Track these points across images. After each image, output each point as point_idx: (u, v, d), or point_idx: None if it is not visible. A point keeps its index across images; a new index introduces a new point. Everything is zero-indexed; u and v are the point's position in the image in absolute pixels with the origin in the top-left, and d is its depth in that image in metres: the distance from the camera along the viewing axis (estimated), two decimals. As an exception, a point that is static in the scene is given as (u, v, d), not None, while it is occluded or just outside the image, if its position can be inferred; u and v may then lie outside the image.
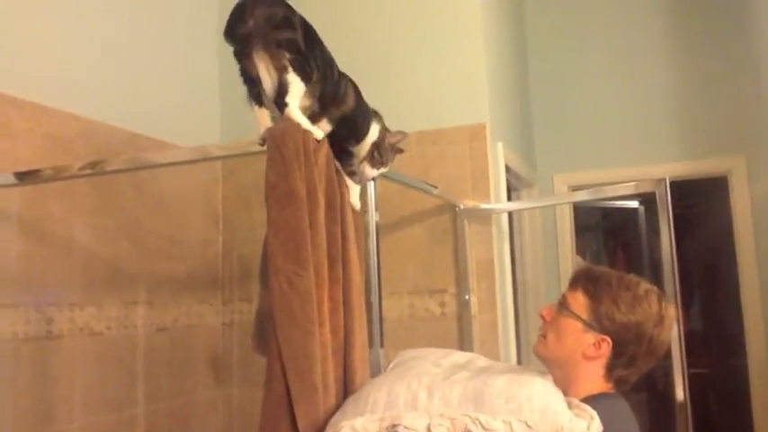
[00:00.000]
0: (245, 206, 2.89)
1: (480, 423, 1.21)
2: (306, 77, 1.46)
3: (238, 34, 1.43)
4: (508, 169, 2.89)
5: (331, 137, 1.58)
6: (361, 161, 1.66)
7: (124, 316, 2.42)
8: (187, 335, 2.73)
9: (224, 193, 2.97)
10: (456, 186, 2.63)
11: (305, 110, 1.51)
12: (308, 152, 1.48)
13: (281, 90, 1.44)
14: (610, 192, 2.51)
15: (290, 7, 1.48)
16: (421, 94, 2.74)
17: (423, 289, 2.64)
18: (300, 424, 1.34)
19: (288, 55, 1.43)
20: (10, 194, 2.03)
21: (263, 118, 1.50)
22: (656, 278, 1.95)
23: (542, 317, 1.50)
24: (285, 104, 1.45)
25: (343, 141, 1.60)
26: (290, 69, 1.43)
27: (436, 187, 2.49)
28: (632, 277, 1.46)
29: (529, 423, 1.20)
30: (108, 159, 1.91)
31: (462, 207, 2.58)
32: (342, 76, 1.61)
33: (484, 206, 2.58)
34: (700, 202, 4.41)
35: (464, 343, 2.52)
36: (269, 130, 1.48)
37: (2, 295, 2.00)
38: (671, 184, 2.17)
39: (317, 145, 1.51)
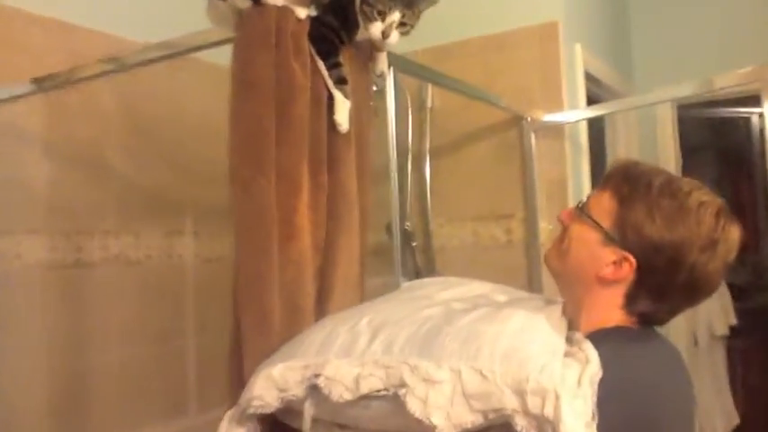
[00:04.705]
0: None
1: (419, 372, 0.93)
2: None
3: None
4: (591, 77, 2.50)
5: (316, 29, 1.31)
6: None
7: (167, 245, 2.30)
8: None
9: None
10: (525, 97, 2.29)
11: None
12: (284, 33, 1.23)
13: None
14: (719, 83, 2.05)
15: None
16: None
17: (487, 214, 2.35)
18: (246, 357, 1.14)
19: None
20: (32, 113, 1.92)
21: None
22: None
23: (560, 221, 1.16)
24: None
25: (331, 35, 1.31)
26: None
27: (502, 98, 2.19)
28: (687, 182, 1.07)
29: (484, 372, 0.90)
30: (127, 55, 1.71)
31: (529, 120, 2.25)
32: None
33: (547, 118, 2.23)
34: None
35: (532, 274, 2.22)
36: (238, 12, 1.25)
37: (27, 220, 1.91)
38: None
39: (298, 25, 1.26)
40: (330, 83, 1.28)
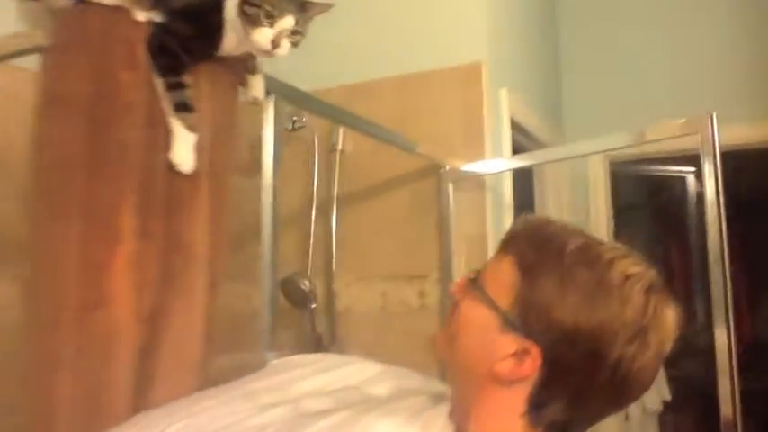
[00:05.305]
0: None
1: None
2: None
3: None
4: (518, 126, 2.29)
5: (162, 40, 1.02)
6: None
7: (13, 294, 1.94)
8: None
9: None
10: (445, 143, 2.05)
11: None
12: (112, 37, 0.95)
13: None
14: (653, 135, 1.85)
15: None
16: (402, 28, 2.16)
17: (399, 274, 2.07)
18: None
19: None
20: None
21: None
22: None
23: (451, 294, 0.89)
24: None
25: (176, 46, 1.02)
26: None
27: (417, 145, 1.94)
28: (610, 248, 0.81)
29: None
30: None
31: (447, 169, 2.01)
32: None
33: (468, 167, 1.99)
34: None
35: (446, 344, 1.94)
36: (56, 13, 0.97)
37: None
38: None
39: (133, 29, 0.98)
40: (166, 109, 0.99)
